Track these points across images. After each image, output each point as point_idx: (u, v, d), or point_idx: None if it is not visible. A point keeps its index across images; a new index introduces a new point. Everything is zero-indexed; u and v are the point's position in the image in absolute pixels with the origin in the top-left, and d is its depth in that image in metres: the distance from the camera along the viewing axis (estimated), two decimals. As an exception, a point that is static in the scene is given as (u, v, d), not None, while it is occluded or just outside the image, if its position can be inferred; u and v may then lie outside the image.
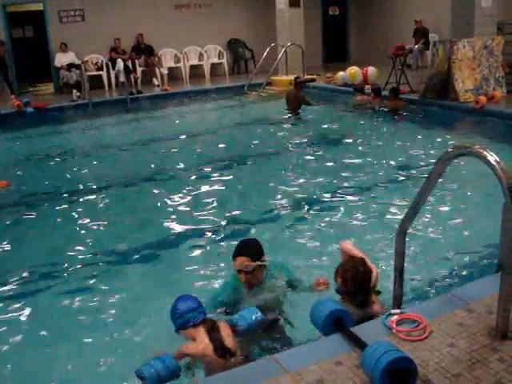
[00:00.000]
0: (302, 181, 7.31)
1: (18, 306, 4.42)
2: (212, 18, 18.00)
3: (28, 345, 3.90)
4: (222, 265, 4.65)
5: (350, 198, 6.54)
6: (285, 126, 11.10)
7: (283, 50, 15.53)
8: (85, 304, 4.40)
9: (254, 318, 3.29)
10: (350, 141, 9.48)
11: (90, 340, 3.86)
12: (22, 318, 4.26)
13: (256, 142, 9.84)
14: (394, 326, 2.94)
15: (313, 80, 15.32)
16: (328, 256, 4.73)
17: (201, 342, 3.03)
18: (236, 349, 3.11)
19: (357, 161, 8.05)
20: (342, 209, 6.15)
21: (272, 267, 3.74)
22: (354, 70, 14.08)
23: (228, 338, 3.09)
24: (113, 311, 4.25)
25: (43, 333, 4.01)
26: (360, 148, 8.86)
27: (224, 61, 18.29)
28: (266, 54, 15.61)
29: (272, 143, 9.68)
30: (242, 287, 3.68)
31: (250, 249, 3.62)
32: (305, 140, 9.71)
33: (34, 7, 16.81)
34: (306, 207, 6.28)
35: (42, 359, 3.71)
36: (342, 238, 5.09)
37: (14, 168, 8.54)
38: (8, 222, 6.42)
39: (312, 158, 8.54)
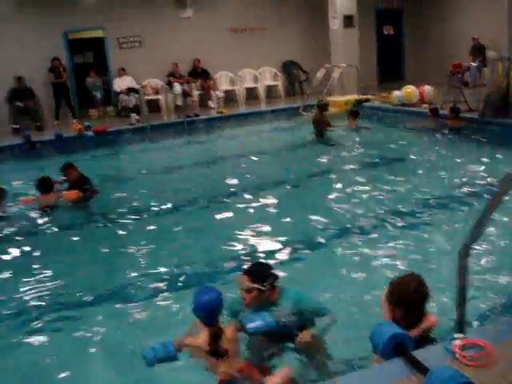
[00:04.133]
0: (354, 203, 7.22)
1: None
2: (267, 41, 18.21)
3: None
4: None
5: (407, 218, 6.45)
6: (338, 147, 10.91)
7: (338, 71, 15.52)
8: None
9: (263, 321, 3.44)
10: (406, 161, 9.37)
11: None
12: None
13: (310, 163, 9.82)
14: (458, 350, 2.87)
15: (367, 100, 15.27)
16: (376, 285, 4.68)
17: (201, 341, 3.24)
18: (232, 353, 3.25)
19: (413, 181, 7.95)
20: (399, 229, 6.09)
21: (285, 297, 3.78)
22: (409, 90, 13.94)
23: (227, 343, 3.23)
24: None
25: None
26: (417, 169, 8.73)
27: (279, 83, 18.41)
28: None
29: (326, 164, 9.66)
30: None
31: (254, 270, 3.76)
32: (360, 161, 9.66)
33: (94, 34, 17.41)
34: (358, 231, 6.19)
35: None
36: (397, 262, 5.08)
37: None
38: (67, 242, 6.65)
39: (365, 179, 8.40)
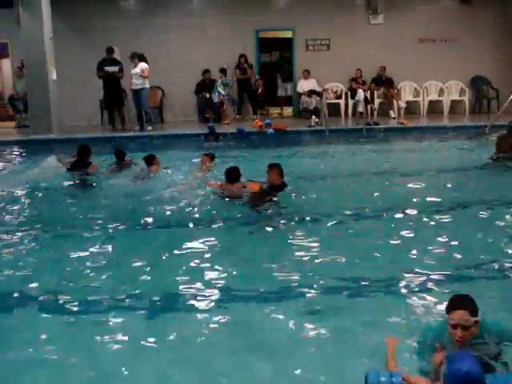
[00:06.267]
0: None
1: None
2: (456, 53, 17.39)
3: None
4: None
5: None
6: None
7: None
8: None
9: None
10: None
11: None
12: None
13: (484, 189, 9.04)
14: None
15: None
16: None
17: None
18: None
19: None
20: None
21: (485, 329, 3.43)
22: None
23: None
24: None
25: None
26: None
27: (465, 98, 17.54)
28: (513, 95, 14.67)
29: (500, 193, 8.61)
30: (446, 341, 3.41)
31: (469, 303, 3.40)
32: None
33: (283, 34, 17.79)
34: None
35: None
36: None
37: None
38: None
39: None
